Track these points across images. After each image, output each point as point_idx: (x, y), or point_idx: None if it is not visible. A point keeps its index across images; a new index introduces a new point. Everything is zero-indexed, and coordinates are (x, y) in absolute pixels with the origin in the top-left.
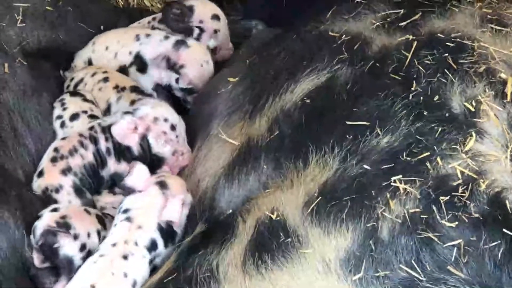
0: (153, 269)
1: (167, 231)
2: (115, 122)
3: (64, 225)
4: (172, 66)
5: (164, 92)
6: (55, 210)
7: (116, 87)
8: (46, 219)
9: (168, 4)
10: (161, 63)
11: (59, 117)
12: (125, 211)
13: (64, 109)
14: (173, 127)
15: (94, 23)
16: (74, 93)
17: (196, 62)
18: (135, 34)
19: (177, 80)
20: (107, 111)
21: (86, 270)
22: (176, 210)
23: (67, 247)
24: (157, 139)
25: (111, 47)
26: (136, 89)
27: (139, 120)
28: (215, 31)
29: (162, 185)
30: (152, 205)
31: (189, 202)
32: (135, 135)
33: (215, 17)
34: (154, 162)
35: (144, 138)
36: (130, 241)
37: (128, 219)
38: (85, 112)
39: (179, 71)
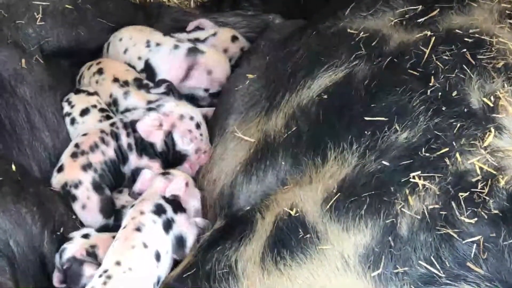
0: (181, 242)
1: (173, 201)
2: (138, 118)
3: (92, 255)
4: None
5: (177, 90)
6: (85, 236)
7: (116, 80)
8: (77, 246)
9: None
10: (198, 81)
11: (68, 114)
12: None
13: (72, 106)
14: (198, 125)
15: (113, 20)
16: (78, 91)
17: (220, 63)
18: (146, 39)
19: (206, 88)
20: (112, 105)
21: (109, 254)
22: (179, 185)
23: (90, 278)
24: (182, 137)
25: (124, 41)
26: (141, 84)
27: (164, 116)
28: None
29: (165, 173)
30: (155, 186)
31: (197, 196)
32: (160, 132)
33: (234, 38)
34: (176, 159)
35: (168, 135)
36: (136, 215)
37: (132, 205)
38: (95, 106)
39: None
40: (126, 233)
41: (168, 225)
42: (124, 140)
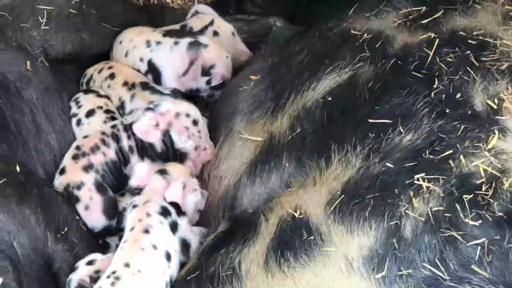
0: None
1: (175, 205)
2: (136, 119)
3: (96, 280)
4: (203, 70)
5: (181, 92)
6: (90, 263)
7: (126, 83)
8: (81, 273)
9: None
10: (194, 74)
11: (75, 115)
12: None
13: (79, 107)
14: (195, 122)
15: (117, 24)
16: (88, 90)
17: (222, 57)
18: (146, 39)
19: (208, 81)
20: (120, 109)
21: (117, 256)
22: (176, 191)
23: None
24: (179, 134)
25: (124, 43)
26: (147, 86)
27: (160, 116)
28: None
29: (162, 172)
30: (155, 187)
31: (195, 187)
32: (157, 132)
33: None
34: (177, 158)
35: (166, 134)
36: (143, 217)
37: (135, 206)
38: (101, 107)
39: (209, 72)
40: (135, 235)
41: (174, 227)
42: (125, 142)
